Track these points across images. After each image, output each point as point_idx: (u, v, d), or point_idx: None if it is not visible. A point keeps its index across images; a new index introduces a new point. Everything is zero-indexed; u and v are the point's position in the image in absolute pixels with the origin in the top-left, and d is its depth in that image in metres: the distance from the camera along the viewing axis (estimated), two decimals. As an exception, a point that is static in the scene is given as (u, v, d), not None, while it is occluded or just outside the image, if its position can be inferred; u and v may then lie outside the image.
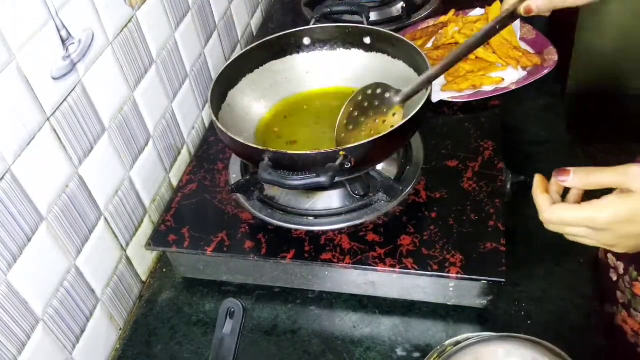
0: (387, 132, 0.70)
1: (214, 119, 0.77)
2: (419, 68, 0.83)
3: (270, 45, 0.90)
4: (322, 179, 0.65)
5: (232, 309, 0.62)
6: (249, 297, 0.80)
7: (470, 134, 0.89)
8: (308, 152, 0.70)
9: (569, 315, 0.72)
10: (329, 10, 1.00)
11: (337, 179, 0.72)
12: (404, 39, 0.86)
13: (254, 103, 0.90)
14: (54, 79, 0.66)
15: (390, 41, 0.88)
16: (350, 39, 0.91)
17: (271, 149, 0.70)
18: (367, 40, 0.90)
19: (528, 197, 0.86)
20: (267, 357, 0.73)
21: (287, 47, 0.92)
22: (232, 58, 0.86)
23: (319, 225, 0.78)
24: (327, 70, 0.93)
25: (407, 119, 0.71)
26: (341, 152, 0.68)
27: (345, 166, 0.68)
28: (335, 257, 0.74)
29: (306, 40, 0.92)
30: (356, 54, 0.92)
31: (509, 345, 0.62)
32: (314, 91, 0.94)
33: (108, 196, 0.77)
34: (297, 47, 0.92)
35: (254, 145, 0.72)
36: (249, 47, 0.89)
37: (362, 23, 0.93)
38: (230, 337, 0.62)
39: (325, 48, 0.93)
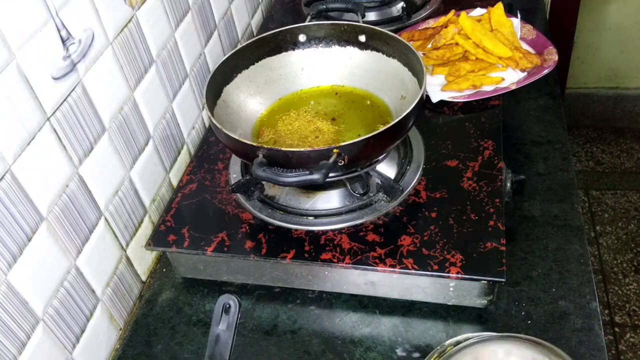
0: (378, 130, 0.70)
1: (209, 114, 0.77)
2: (413, 67, 0.84)
3: (265, 41, 0.91)
4: (316, 176, 0.65)
5: (228, 305, 0.63)
6: (249, 297, 0.80)
7: (470, 134, 0.89)
8: (302, 149, 0.70)
9: (569, 315, 0.72)
10: (324, 7, 1.00)
11: (332, 177, 0.72)
12: (399, 37, 0.86)
13: (250, 99, 0.90)
14: (54, 79, 0.66)
15: (384, 40, 0.88)
16: (346, 37, 0.91)
17: (265, 146, 0.70)
18: (362, 38, 0.90)
19: (528, 197, 0.86)
20: (267, 357, 0.73)
21: (282, 43, 0.92)
22: (228, 54, 0.87)
23: (319, 225, 0.78)
24: (322, 68, 0.93)
25: (398, 118, 0.71)
26: (334, 150, 0.68)
27: (339, 163, 0.69)
28: (335, 257, 0.74)
29: (301, 37, 0.92)
30: (351, 51, 0.92)
31: (509, 345, 0.62)
32: (309, 89, 0.94)
33: (108, 196, 0.77)
34: (293, 44, 0.93)
35: (248, 142, 0.72)
36: (244, 44, 0.89)
37: (357, 21, 0.93)
38: (226, 333, 0.62)
39: (320, 45, 0.93)
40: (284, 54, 0.93)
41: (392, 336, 0.73)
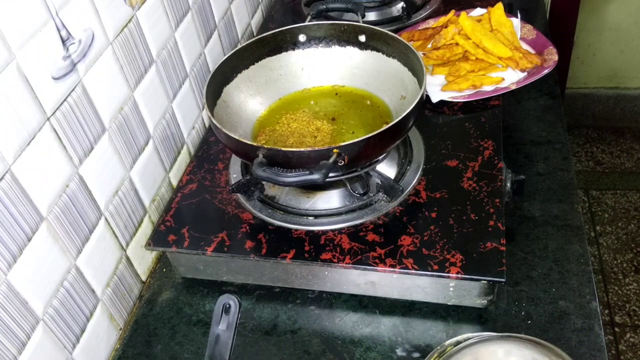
0: (379, 130, 0.70)
1: (209, 114, 0.77)
2: (413, 67, 0.84)
3: (265, 41, 0.91)
4: (316, 176, 0.65)
5: (228, 305, 0.63)
6: (249, 297, 0.80)
7: (470, 134, 0.89)
8: (302, 149, 0.70)
9: (569, 315, 0.72)
10: (324, 7, 1.00)
11: (332, 176, 0.72)
12: (399, 37, 0.86)
13: (250, 99, 0.90)
14: (54, 79, 0.66)
15: (384, 39, 0.88)
16: (346, 37, 0.92)
17: (265, 146, 0.70)
18: (362, 38, 0.90)
19: (528, 197, 0.86)
20: (267, 357, 0.73)
21: (282, 43, 0.92)
22: (228, 54, 0.87)
23: (319, 225, 0.78)
24: (322, 68, 0.94)
25: (399, 118, 0.71)
26: (334, 150, 0.68)
27: (339, 163, 0.69)
28: (335, 257, 0.74)
29: (301, 37, 0.92)
30: (351, 51, 0.92)
31: (509, 345, 0.62)
32: (309, 89, 0.94)
33: (108, 196, 0.77)
34: (293, 44, 0.93)
35: (248, 142, 0.72)
36: (244, 44, 0.89)
37: (357, 21, 0.93)
38: (226, 333, 0.62)
39: (320, 45, 0.93)
40: (284, 54, 0.93)
41: (392, 336, 0.73)
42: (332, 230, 0.77)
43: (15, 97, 0.60)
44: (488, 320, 0.73)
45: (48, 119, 0.65)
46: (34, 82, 0.62)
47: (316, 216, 0.80)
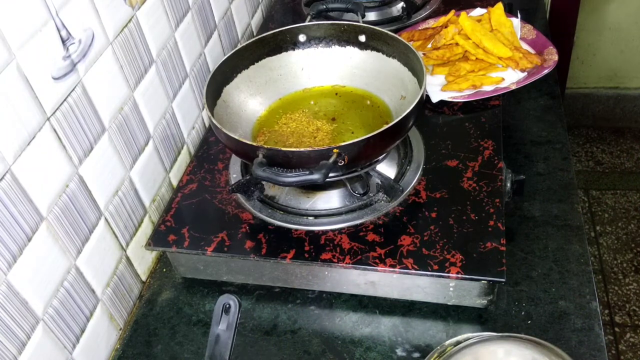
0: (379, 130, 0.70)
1: (209, 114, 0.77)
2: (413, 67, 0.84)
3: (265, 41, 0.91)
4: (316, 176, 0.65)
5: (228, 305, 0.63)
6: (249, 297, 0.80)
7: (470, 134, 0.89)
8: (302, 149, 0.70)
9: (569, 315, 0.72)
10: (324, 7, 1.00)
11: (332, 176, 0.72)
12: (399, 37, 0.86)
13: (250, 99, 0.90)
14: (54, 79, 0.66)
15: (384, 39, 0.88)
16: (346, 37, 0.92)
17: (265, 146, 0.70)
18: (362, 38, 0.90)
19: (528, 197, 0.86)
20: (267, 357, 0.73)
21: (282, 43, 0.92)
22: (228, 54, 0.87)
23: (319, 225, 0.78)
24: (322, 68, 0.94)
25: (399, 118, 0.71)
26: (334, 150, 0.68)
27: (339, 163, 0.69)
28: (335, 257, 0.74)
29: (301, 37, 0.92)
30: (351, 51, 0.92)
31: (509, 345, 0.62)
32: (309, 89, 0.94)
33: (108, 196, 0.77)
34: (293, 44, 0.93)
35: (248, 142, 0.72)
36: (244, 44, 0.89)
37: (357, 21, 0.93)
38: (226, 333, 0.62)
39: (320, 45, 0.93)
40: (284, 54, 0.93)
41: (392, 336, 0.73)
42: (332, 230, 0.77)
43: (15, 97, 0.60)
44: (488, 320, 0.73)
45: (48, 119, 0.65)
46: (34, 82, 0.62)
47: (316, 216, 0.80)
